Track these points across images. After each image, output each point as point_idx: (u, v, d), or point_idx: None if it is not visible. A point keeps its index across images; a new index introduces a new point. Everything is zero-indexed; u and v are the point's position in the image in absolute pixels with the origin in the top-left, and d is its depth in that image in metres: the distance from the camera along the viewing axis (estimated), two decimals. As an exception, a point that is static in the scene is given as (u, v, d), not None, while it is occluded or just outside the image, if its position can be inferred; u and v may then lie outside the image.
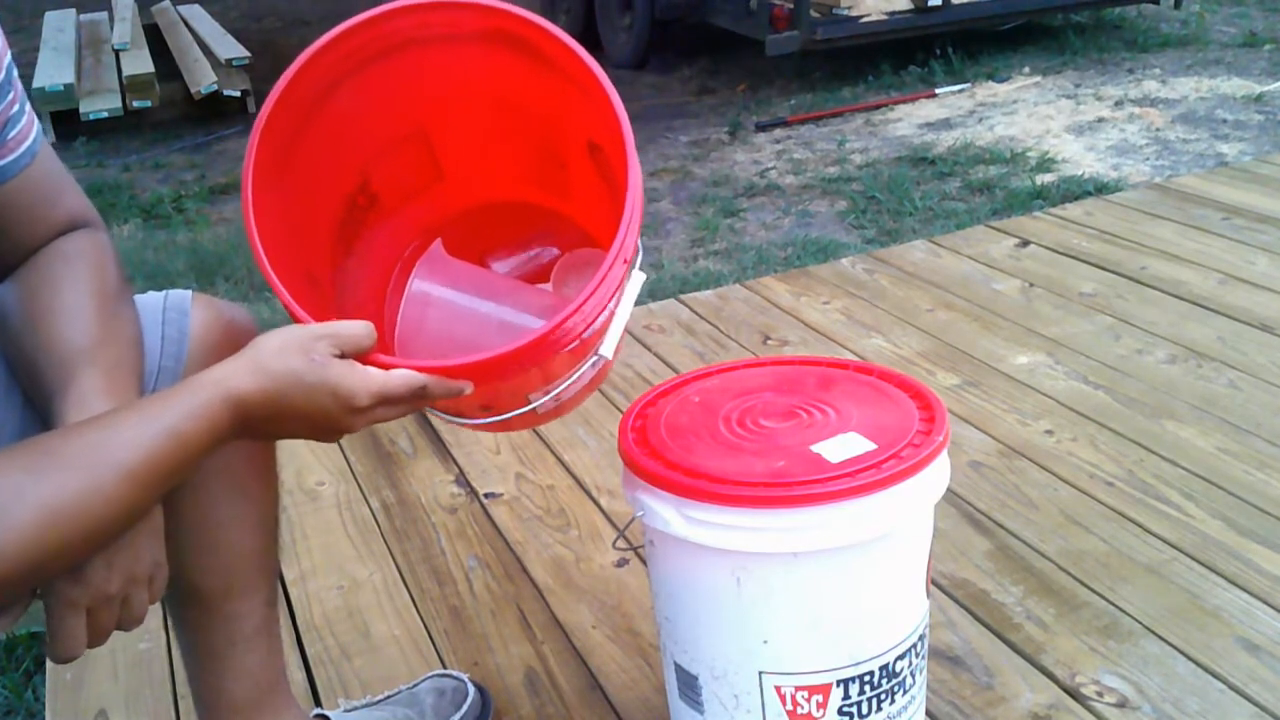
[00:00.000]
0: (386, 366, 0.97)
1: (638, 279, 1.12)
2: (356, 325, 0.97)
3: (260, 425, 0.92)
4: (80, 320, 0.99)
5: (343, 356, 0.95)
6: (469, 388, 1.01)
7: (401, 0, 1.11)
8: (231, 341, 1.15)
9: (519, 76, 1.16)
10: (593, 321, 1.06)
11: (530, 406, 1.12)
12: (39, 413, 0.98)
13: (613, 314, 1.10)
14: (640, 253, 1.13)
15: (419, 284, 1.19)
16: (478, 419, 1.17)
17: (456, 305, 1.21)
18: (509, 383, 1.07)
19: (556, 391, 1.11)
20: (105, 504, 0.84)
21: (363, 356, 0.97)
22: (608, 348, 1.09)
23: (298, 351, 0.92)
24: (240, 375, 0.90)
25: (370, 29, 1.13)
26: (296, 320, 1.00)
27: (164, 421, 0.86)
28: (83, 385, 0.94)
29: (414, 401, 0.98)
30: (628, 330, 1.18)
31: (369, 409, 0.95)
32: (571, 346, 1.06)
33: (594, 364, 1.11)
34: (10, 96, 1.00)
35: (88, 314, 1.00)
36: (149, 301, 1.11)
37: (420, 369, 0.98)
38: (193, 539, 1.14)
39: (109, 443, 0.85)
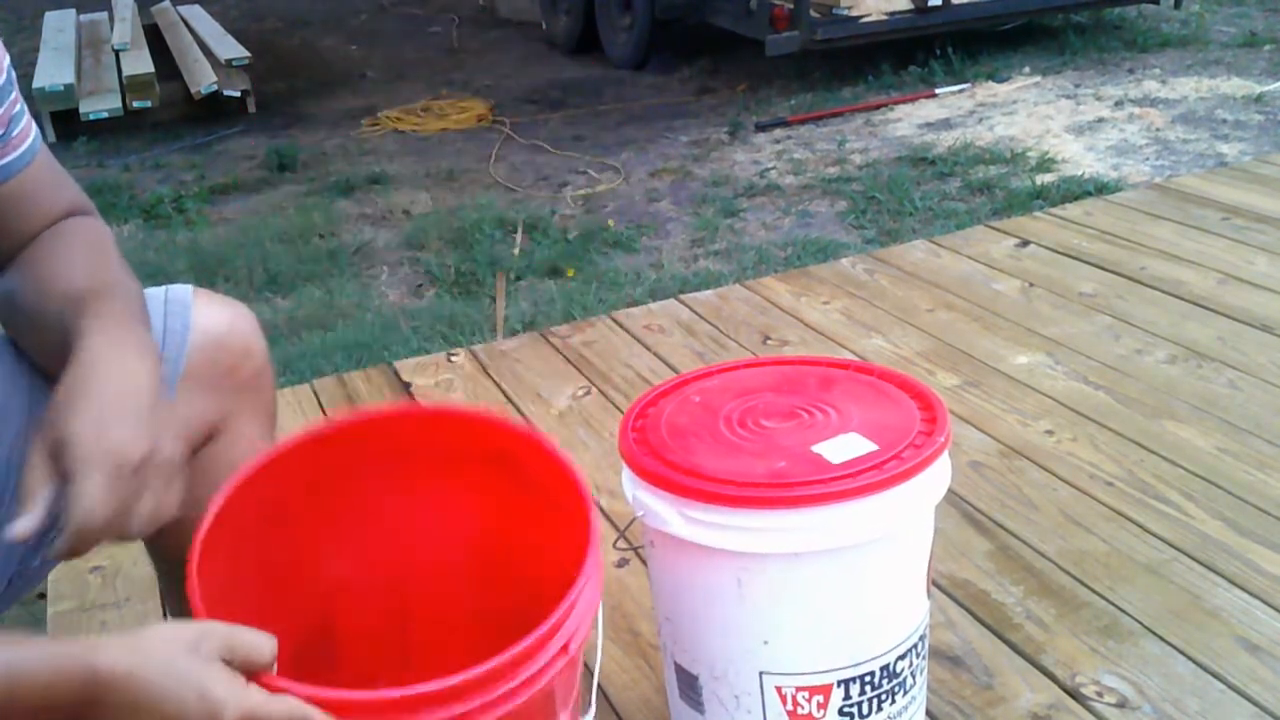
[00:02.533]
0: (274, 689, 0.86)
1: None
2: (259, 635, 0.88)
3: (113, 710, 0.82)
4: (85, 270, 1.03)
5: (231, 664, 0.86)
6: None
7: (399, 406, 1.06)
8: (233, 334, 1.15)
9: (497, 510, 1.14)
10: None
11: None
12: (46, 380, 0.99)
13: None
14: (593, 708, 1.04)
15: None
16: None
17: None
18: None
19: None
20: None
21: (254, 673, 0.87)
22: None
23: (183, 644, 0.85)
24: (113, 648, 0.82)
25: (372, 428, 1.11)
26: (194, 613, 0.91)
27: (1, 658, 0.79)
28: (101, 310, 0.97)
29: None
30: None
31: None
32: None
33: None
34: (12, 96, 1.04)
35: (91, 269, 1.04)
36: (150, 296, 1.11)
37: (310, 699, 0.86)
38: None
39: None
